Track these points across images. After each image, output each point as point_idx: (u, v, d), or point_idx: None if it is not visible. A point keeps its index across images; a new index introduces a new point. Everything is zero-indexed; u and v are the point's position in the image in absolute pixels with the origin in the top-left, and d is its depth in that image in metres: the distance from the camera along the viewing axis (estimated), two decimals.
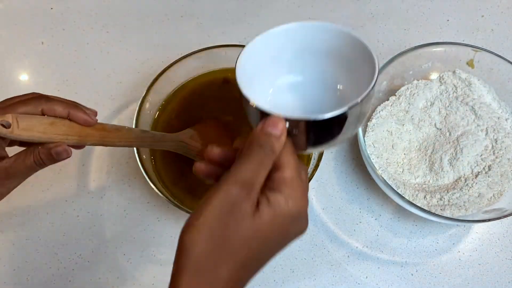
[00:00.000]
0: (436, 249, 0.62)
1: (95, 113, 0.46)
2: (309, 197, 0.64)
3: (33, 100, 0.44)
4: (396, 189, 0.56)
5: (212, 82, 0.65)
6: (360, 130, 0.58)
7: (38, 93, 0.45)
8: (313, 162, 0.59)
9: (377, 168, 0.57)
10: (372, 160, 0.57)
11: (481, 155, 0.60)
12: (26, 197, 0.62)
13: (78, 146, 0.47)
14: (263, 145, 0.33)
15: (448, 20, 0.77)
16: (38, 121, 0.43)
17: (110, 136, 0.47)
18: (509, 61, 0.61)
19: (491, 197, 0.59)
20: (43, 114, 0.44)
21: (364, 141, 0.58)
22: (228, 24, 0.75)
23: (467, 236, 0.63)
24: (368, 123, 0.64)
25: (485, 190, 0.59)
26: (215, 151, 0.36)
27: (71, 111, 0.44)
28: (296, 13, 0.76)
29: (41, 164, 0.44)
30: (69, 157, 0.44)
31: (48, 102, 0.44)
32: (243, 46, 0.62)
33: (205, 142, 0.57)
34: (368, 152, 0.60)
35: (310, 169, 0.59)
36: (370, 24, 0.76)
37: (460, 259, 0.62)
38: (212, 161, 0.37)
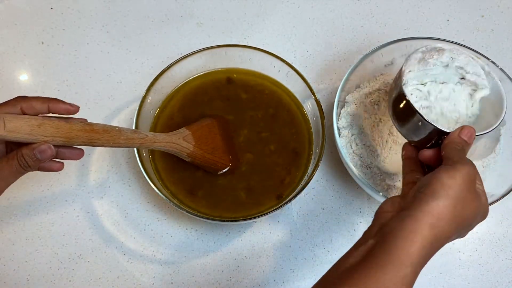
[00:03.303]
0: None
1: (77, 107, 0.46)
2: (310, 197, 0.64)
3: (11, 101, 0.44)
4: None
5: (213, 81, 0.65)
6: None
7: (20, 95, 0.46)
8: (313, 162, 0.59)
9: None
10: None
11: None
12: (26, 197, 0.62)
13: (72, 155, 0.48)
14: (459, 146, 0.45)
15: (448, 20, 0.77)
16: (25, 122, 0.42)
17: (98, 137, 0.47)
18: (501, 69, 0.61)
19: None
20: (23, 112, 0.44)
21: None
22: (228, 24, 0.75)
23: (467, 236, 0.63)
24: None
25: None
26: (427, 152, 0.47)
27: (50, 104, 0.44)
28: (296, 13, 0.76)
29: (25, 166, 0.44)
30: (53, 155, 0.44)
31: (26, 100, 0.44)
32: (243, 46, 0.63)
33: (198, 143, 0.58)
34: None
35: (310, 169, 0.59)
36: (370, 24, 0.76)
37: (460, 259, 0.62)
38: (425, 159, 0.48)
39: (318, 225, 0.63)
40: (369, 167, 0.60)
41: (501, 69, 0.59)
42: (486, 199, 0.44)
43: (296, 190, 0.56)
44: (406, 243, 0.38)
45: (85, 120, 0.48)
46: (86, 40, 0.72)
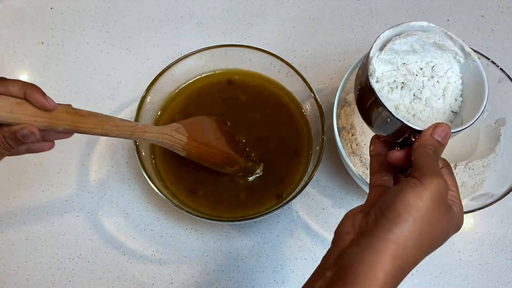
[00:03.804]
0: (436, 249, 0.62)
1: (53, 107, 0.42)
2: (310, 197, 0.64)
3: None
4: None
5: (214, 83, 0.65)
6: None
7: None
8: (313, 162, 0.59)
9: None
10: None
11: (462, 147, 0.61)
12: (26, 197, 0.62)
13: (60, 134, 0.44)
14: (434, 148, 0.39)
15: (448, 20, 0.77)
16: (5, 101, 0.40)
17: (85, 121, 0.44)
18: (497, 65, 0.60)
19: (474, 184, 0.60)
20: None
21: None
22: (228, 24, 0.75)
23: (467, 236, 0.64)
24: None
25: (467, 179, 0.60)
26: (396, 155, 0.42)
27: (28, 90, 0.40)
28: (296, 13, 0.76)
29: (8, 148, 0.41)
30: (36, 138, 0.41)
31: (3, 84, 0.40)
32: (243, 46, 0.63)
33: (192, 136, 0.56)
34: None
35: (310, 169, 0.59)
36: (370, 24, 0.76)
37: (460, 259, 0.62)
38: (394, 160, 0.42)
39: (318, 225, 0.63)
40: (369, 167, 0.60)
41: (501, 69, 0.59)
42: (461, 207, 0.40)
43: (296, 190, 0.56)
44: (366, 281, 0.34)
45: (70, 105, 0.45)
46: (86, 40, 0.72)
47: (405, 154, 0.41)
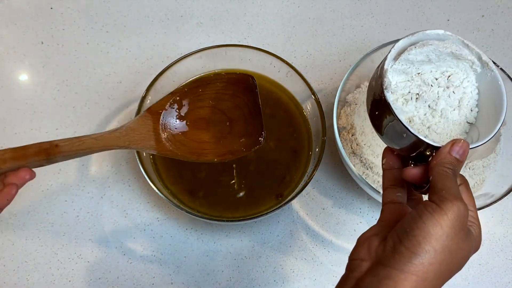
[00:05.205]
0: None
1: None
2: (310, 197, 0.64)
3: None
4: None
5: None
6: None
7: None
8: (313, 162, 0.59)
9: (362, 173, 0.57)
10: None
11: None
12: (26, 197, 0.62)
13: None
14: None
15: (448, 20, 0.77)
16: None
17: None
18: (499, 66, 0.60)
19: (474, 184, 0.60)
20: None
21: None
22: (228, 24, 0.75)
23: None
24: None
25: (467, 179, 0.60)
26: (413, 172, 0.40)
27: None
28: (296, 13, 0.76)
29: None
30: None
31: None
32: (243, 46, 0.63)
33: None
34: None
35: (310, 169, 0.59)
36: (370, 24, 0.76)
37: None
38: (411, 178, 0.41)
39: (318, 225, 0.63)
40: (369, 167, 0.60)
41: (501, 69, 0.59)
42: (479, 228, 0.38)
43: (296, 190, 0.56)
44: None
45: None
46: (86, 40, 0.72)
47: (421, 172, 0.40)
